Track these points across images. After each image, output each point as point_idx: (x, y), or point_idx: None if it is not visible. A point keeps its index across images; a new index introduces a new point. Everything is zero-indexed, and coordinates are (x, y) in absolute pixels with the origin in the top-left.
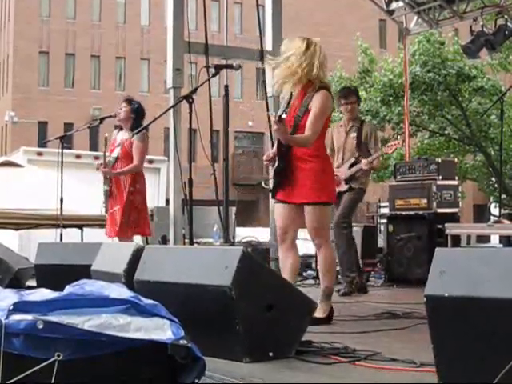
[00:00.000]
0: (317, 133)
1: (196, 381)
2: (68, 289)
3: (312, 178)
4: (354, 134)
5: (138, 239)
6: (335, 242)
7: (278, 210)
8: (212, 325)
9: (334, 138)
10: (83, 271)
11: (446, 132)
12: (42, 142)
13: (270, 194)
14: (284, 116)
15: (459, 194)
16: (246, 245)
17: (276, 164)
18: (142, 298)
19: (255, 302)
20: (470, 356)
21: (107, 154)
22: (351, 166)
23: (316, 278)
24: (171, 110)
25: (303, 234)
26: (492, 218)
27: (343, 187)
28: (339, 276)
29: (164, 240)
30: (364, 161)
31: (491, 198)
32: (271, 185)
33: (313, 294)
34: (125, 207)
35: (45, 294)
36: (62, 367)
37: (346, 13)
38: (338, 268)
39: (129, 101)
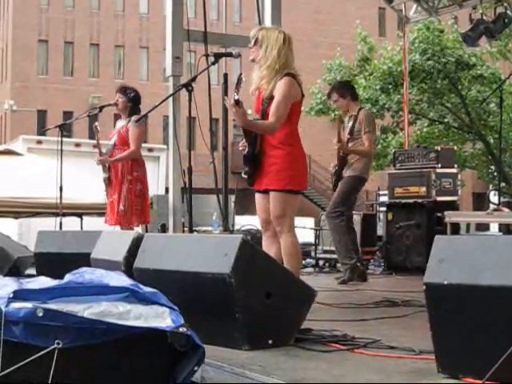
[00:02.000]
0: (280, 119)
1: (195, 368)
2: (68, 277)
3: (278, 165)
4: (350, 123)
5: (137, 227)
6: (330, 231)
7: (257, 201)
8: (211, 312)
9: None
10: (83, 259)
11: (446, 120)
12: (42, 130)
13: (248, 184)
14: (237, 98)
15: (458, 182)
16: (246, 233)
17: (246, 151)
18: (142, 286)
19: (254, 290)
20: (469, 344)
21: (104, 142)
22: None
23: (315, 266)
24: (170, 98)
25: (301, 222)
26: (491, 206)
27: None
28: (338, 264)
29: (163, 228)
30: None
31: (490, 186)
32: (247, 174)
33: (312, 281)
34: (124, 195)
35: (44, 282)
36: (61, 355)
37: (346, 0)
38: (335, 256)
39: (123, 90)
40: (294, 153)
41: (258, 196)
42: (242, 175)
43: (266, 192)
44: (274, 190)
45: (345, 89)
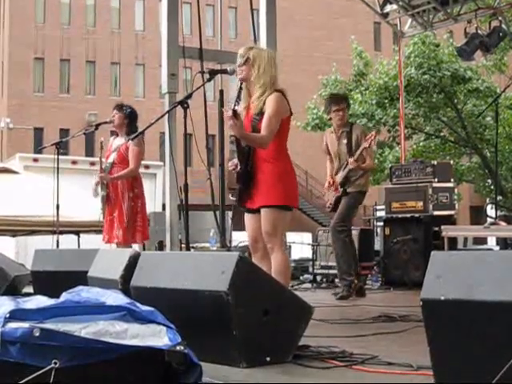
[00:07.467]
0: (272, 133)
1: None
2: (64, 296)
3: (270, 181)
4: (345, 140)
5: (138, 244)
6: (332, 245)
7: (246, 220)
8: (208, 330)
9: (329, 144)
10: (80, 277)
11: (442, 134)
12: (38, 148)
13: (237, 203)
14: (237, 108)
15: (455, 196)
16: (243, 249)
17: (238, 168)
18: (139, 305)
19: (252, 307)
20: (466, 359)
21: (103, 159)
22: (344, 169)
23: (313, 281)
24: (166, 115)
25: (299, 237)
26: (488, 220)
27: (339, 192)
28: (336, 280)
29: (161, 245)
30: (350, 160)
31: (487, 200)
32: (236, 193)
33: (309, 297)
34: (127, 213)
35: (41, 301)
36: (58, 374)
37: (341, 16)
38: (335, 271)
39: (120, 107)
40: (285, 168)
41: (247, 216)
42: (230, 197)
43: (255, 212)
44: (265, 206)
45: (348, 101)
